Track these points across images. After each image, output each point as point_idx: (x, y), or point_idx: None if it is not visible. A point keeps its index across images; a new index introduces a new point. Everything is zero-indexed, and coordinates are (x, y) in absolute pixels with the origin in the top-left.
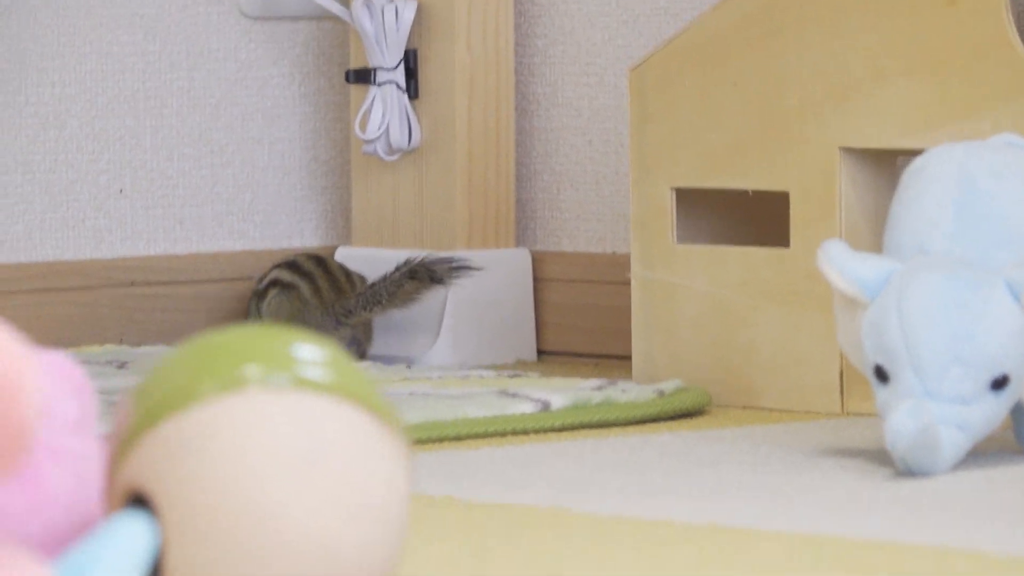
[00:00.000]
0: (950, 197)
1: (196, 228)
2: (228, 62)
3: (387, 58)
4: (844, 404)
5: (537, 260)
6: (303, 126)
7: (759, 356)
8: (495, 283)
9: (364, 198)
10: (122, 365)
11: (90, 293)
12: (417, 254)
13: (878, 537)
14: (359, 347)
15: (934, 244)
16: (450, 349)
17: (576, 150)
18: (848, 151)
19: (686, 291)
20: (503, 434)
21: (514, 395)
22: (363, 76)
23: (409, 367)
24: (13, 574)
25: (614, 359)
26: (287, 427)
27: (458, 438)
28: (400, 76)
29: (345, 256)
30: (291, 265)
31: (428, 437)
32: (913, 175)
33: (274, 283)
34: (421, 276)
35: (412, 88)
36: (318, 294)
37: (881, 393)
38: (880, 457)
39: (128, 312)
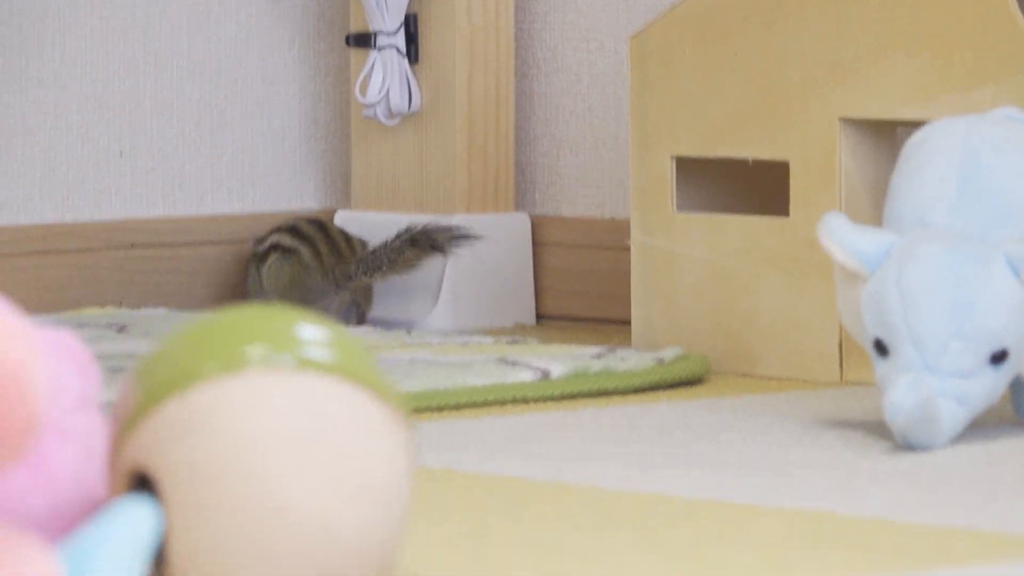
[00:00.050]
0: (953, 171)
1: (196, 191)
2: (228, 25)
3: (387, 22)
4: (843, 373)
5: (536, 224)
6: (303, 89)
7: (758, 324)
8: (495, 247)
9: (364, 162)
10: (122, 328)
11: (90, 255)
12: (418, 221)
13: (878, 514)
14: (359, 311)
15: (935, 217)
16: (450, 313)
17: (576, 115)
18: (848, 121)
19: (686, 258)
20: (503, 403)
21: (514, 363)
22: (363, 40)
23: (409, 332)
24: (19, 564)
25: (613, 323)
26: (289, 407)
27: (458, 407)
28: (400, 40)
29: (344, 219)
30: (292, 229)
31: (428, 406)
32: (915, 148)
33: (275, 247)
34: (422, 244)
35: (412, 53)
36: (318, 258)
37: (881, 367)
38: (879, 429)
39: (128, 274)
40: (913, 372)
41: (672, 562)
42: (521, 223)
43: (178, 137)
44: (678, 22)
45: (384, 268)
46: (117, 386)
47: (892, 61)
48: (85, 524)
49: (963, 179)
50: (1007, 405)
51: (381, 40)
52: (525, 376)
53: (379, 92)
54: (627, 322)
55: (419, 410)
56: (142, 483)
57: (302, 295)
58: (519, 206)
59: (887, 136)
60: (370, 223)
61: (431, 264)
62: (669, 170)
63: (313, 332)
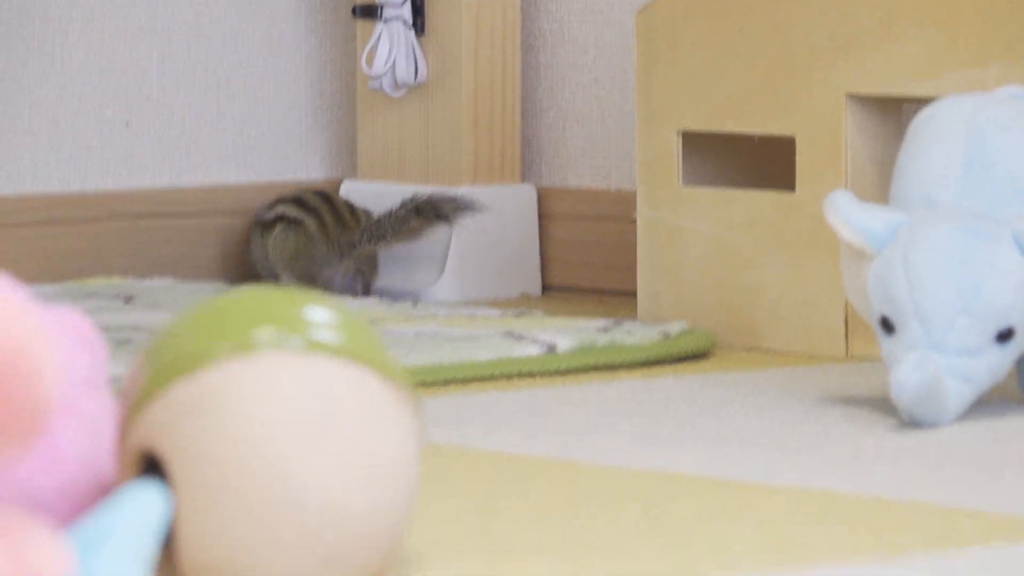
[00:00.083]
0: (959, 149)
1: (202, 161)
2: None
3: None
4: (848, 348)
5: (542, 196)
6: (310, 60)
7: (764, 298)
8: (501, 218)
9: (370, 133)
10: (128, 299)
11: (96, 225)
12: (423, 191)
13: (883, 492)
14: (364, 280)
15: (942, 196)
16: (455, 283)
17: (582, 87)
18: (854, 97)
19: (692, 232)
20: (509, 377)
21: (520, 337)
22: (369, 11)
23: (414, 304)
24: (25, 551)
25: (618, 294)
26: (298, 390)
27: (464, 381)
28: (407, 12)
29: (350, 190)
30: (297, 200)
31: (434, 380)
32: (921, 126)
33: (280, 218)
34: (426, 213)
35: (419, 24)
36: (323, 229)
37: (886, 344)
38: (885, 406)
39: (134, 245)
40: (919, 350)
41: (676, 538)
42: (527, 194)
43: (184, 107)
44: None
45: (388, 237)
46: (125, 363)
47: (899, 37)
48: (93, 505)
49: (969, 158)
50: (1013, 383)
51: (387, 12)
52: (531, 350)
53: (385, 63)
54: (632, 293)
55: (425, 385)
56: (151, 465)
57: (307, 266)
58: (525, 177)
59: (893, 112)
60: (376, 193)
61: (437, 235)
62: (675, 145)
63: (322, 314)
